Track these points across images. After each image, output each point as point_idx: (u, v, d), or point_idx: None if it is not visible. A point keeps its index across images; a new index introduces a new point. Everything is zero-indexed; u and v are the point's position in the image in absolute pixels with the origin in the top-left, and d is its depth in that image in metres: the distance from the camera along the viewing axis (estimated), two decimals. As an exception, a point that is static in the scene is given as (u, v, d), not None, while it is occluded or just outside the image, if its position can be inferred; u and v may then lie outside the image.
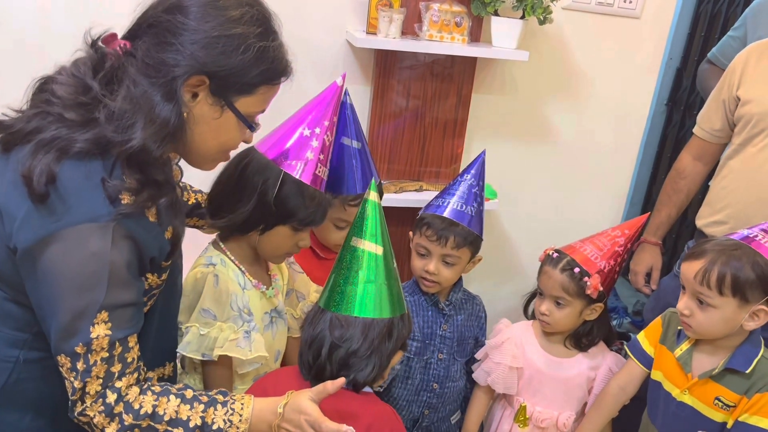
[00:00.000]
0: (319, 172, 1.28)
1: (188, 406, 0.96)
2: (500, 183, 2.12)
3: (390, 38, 1.82)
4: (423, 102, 2.01)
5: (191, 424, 0.95)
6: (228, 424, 0.98)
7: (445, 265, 1.51)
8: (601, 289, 1.46)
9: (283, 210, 1.24)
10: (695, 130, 1.95)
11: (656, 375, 1.46)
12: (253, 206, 1.23)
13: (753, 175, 1.72)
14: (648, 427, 1.50)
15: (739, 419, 1.32)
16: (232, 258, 1.30)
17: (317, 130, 1.27)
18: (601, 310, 1.51)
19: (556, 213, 2.28)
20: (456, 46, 1.87)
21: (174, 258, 1.08)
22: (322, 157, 1.28)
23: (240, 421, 0.99)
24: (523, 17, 1.87)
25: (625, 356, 1.57)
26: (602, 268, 1.45)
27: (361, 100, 2.00)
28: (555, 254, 1.49)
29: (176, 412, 0.95)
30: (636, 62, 2.16)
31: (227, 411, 0.99)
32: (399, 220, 1.97)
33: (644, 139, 2.37)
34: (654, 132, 2.80)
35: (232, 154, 1.14)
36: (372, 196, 1.12)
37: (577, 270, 1.44)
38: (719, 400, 1.33)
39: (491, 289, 2.30)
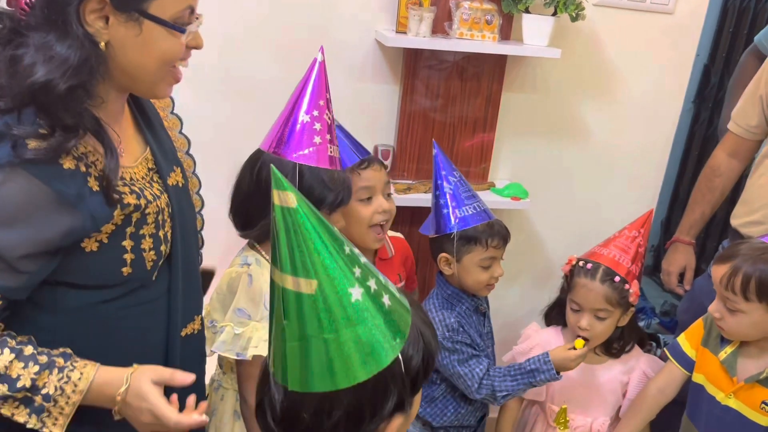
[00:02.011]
0: (331, 152, 1.27)
1: (22, 364, 0.90)
2: (531, 182, 2.10)
3: (420, 37, 1.80)
4: (452, 101, 2.00)
5: (19, 384, 0.89)
6: (59, 392, 0.91)
7: (500, 262, 1.53)
8: (639, 293, 1.43)
9: (310, 200, 1.23)
10: (730, 125, 1.92)
11: (698, 378, 1.43)
12: None
13: (791, 174, 1.69)
14: (690, 430, 1.47)
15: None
16: (268, 258, 1.30)
17: (315, 113, 1.26)
18: (633, 313, 1.49)
19: (587, 213, 2.25)
20: (487, 44, 1.85)
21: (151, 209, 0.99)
22: (329, 137, 1.27)
23: (74, 391, 0.91)
24: (554, 14, 1.85)
25: (662, 358, 1.55)
26: (633, 271, 1.43)
27: (390, 100, 1.99)
28: (588, 264, 1.43)
29: (6, 367, 0.89)
30: (668, 59, 2.13)
31: (62, 378, 0.91)
32: (429, 220, 1.96)
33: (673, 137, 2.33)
34: (681, 130, 2.77)
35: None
36: (285, 199, 0.66)
37: (617, 279, 1.40)
38: (766, 404, 1.30)
39: (522, 290, 2.28)
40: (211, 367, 1.35)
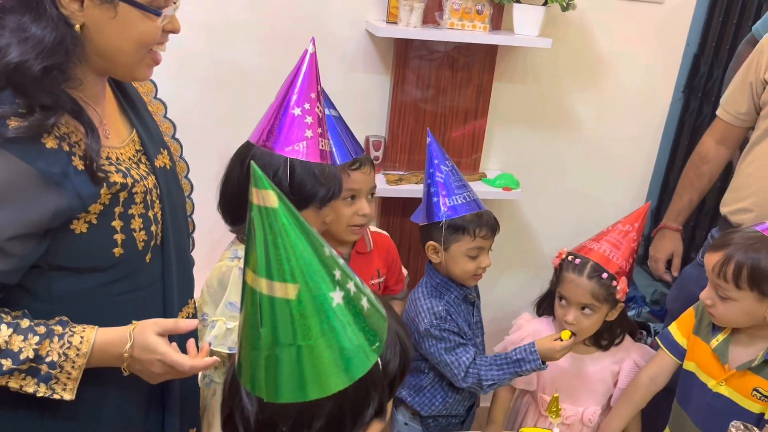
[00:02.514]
0: (323, 146, 1.27)
1: (21, 337, 0.91)
2: (522, 173, 2.11)
3: (411, 27, 1.80)
4: (443, 91, 2.00)
5: (22, 356, 0.90)
6: (63, 357, 0.92)
7: (488, 253, 1.53)
8: (627, 290, 1.43)
9: (302, 195, 1.23)
10: (719, 112, 1.92)
11: (689, 365, 1.44)
12: None
13: (780, 162, 1.70)
14: (681, 417, 1.48)
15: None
16: None
17: (307, 106, 1.25)
18: (622, 308, 1.49)
19: (578, 202, 2.26)
20: (477, 34, 1.85)
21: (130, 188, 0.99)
22: (320, 130, 1.27)
23: (77, 355, 0.93)
24: (545, 4, 1.86)
25: (653, 346, 1.56)
26: (623, 267, 1.42)
27: (380, 91, 1.99)
28: (576, 260, 1.43)
29: (6, 342, 0.89)
30: (658, 49, 2.14)
31: (63, 344, 0.93)
32: (420, 211, 1.96)
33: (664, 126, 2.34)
34: (671, 119, 2.78)
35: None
36: (265, 198, 0.62)
37: (605, 275, 1.40)
38: (758, 391, 1.32)
39: (514, 280, 2.29)
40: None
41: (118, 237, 0.98)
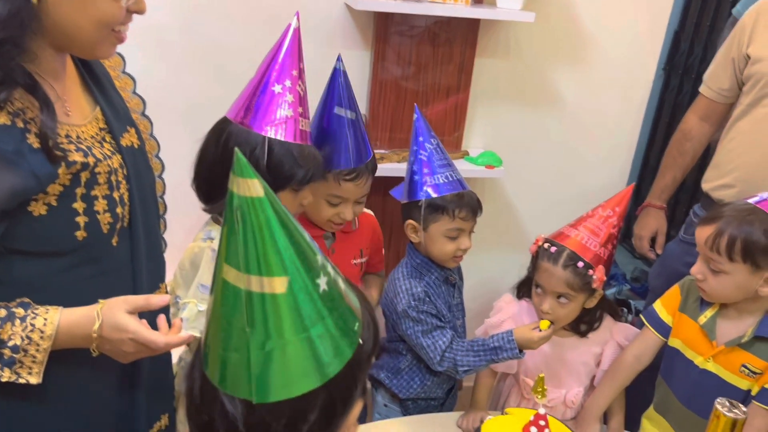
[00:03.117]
0: (302, 126, 1.23)
1: None
2: (505, 150, 2.08)
3: (390, 0, 1.75)
4: (424, 68, 1.96)
5: None
6: (27, 341, 0.89)
7: (470, 235, 1.50)
8: (605, 278, 1.40)
9: (279, 176, 1.20)
10: (702, 89, 1.91)
11: (674, 343, 1.44)
12: None
13: (762, 137, 1.70)
14: (665, 394, 1.48)
15: (767, 386, 1.30)
16: None
17: (288, 83, 1.21)
18: (601, 296, 1.47)
19: (561, 180, 2.25)
20: (459, 7, 1.81)
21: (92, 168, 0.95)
22: (301, 110, 1.23)
23: (42, 338, 0.90)
24: (528, -23, 1.82)
25: (634, 324, 1.55)
26: (601, 255, 1.39)
27: (360, 66, 1.94)
28: (552, 248, 1.39)
29: None
30: (641, 25, 2.12)
31: (26, 327, 0.89)
32: (402, 190, 1.93)
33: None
34: (652, 97, 2.77)
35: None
36: (250, 188, 0.57)
37: (581, 264, 1.36)
38: (746, 367, 1.32)
39: (497, 260, 2.28)
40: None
41: (81, 219, 0.94)
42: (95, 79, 1.03)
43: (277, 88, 1.20)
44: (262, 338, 0.60)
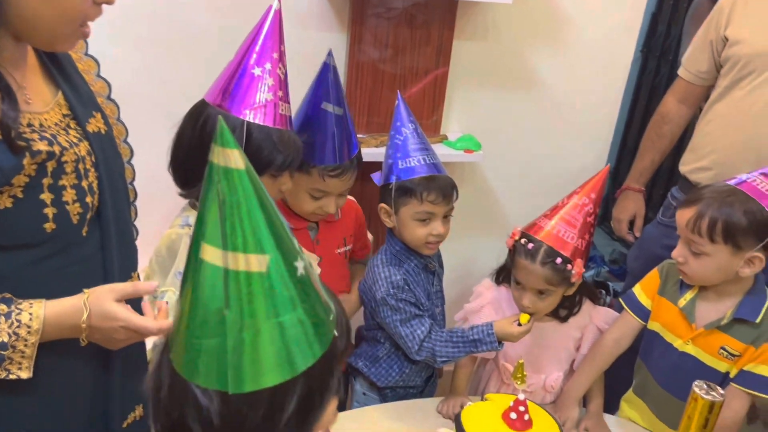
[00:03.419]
0: (282, 111, 1.20)
1: None
2: (484, 134, 2.07)
3: (367, -19, 1.72)
4: (402, 51, 1.92)
5: None
6: (14, 337, 0.87)
7: (445, 220, 1.47)
8: (583, 270, 1.38)
9: (257, 161, 1.17)
10: (680, 71, 1.91)
11: (653, 326, 1.44)
12: None
13: (739, 120, 1.70)
14: (645, 377, 1.49)
15: (745, 368, 1.31)
16: None
17: (268, 66, 1.18)
18: (579, 283, 1.46)
19: (541, 163, 2.24)
20: (436, -11, 1.78)
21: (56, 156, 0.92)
22: (281, 93, 1.20)
23: (29, 333, 0.88)
24: (506, -43, 1.79)
25: (612, 306, 1.56)
26: (579, 246, 1.36)
27: (336, 50, 1.89)
28: (529, 244, 1.36)
29: None
30: (619, 7, 2.10)
31: (12, 323, 0.88)
32: (380, 175, 1.91)
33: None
34: (630, 79, 2.78)
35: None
36: (231, 159, 0.55)
37: (559, 260, 1.33)
38: (724, 349, 1.32)
39: (476, 243, 2.27)
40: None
41: (49, 211, 0.91)
42: (56, 63, 0.99)
43: (257, 71, 1.17)
44: (237, 322, 0.57)
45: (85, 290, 0.93)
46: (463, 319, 1.56)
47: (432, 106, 2.02)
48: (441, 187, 1.43)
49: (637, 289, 1.48)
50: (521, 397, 1.22)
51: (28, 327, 0.88)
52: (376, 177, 1.55)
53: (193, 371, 0.60)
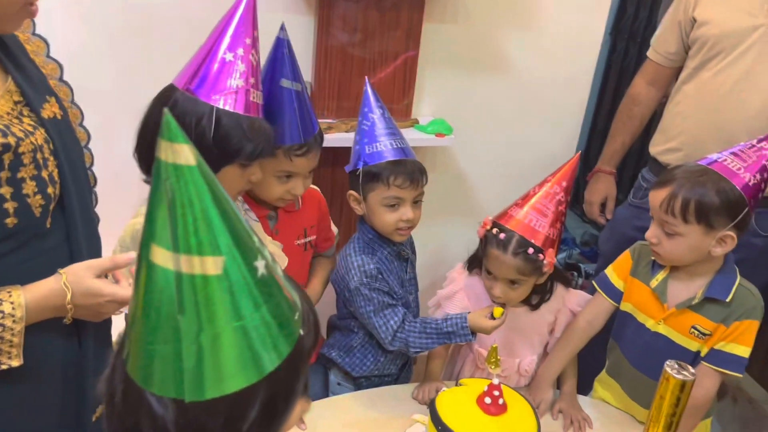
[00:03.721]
0: (254, 98, 1.16)
1: None
2: (455, 118, 2.05)
3: (334, -37, 1.68)
4: (371, 34, 1.89)
5: None
6: (0, 329, 0.88)
7: (416, 205, 1.44)
8: (555, 260, 1.38)
9: (226, 150, 1.13)
10: (649, 53, 1.92)
11: (626, 307, 1.45)
12: None
13: (707, 101, 1.71)
14: (618, 358, 1.50)
15: (715, 347, 1.33)
16: None
17: (240, 51, 1.14)
18: (551, 270, 1.45)
19: (512, 147, 2.24)
20: (405, -30, 1.75)
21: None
22: (253, 80, 1.16)
23: (14, 321, 0.89)
24: (474, -63, 1.77)
25: (584, 287, 1.56)
26: (550, 235, 1.35)
27: (304, 33, 1.86)
28: (501, 234, 1.35)
29: None
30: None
31: None
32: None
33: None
34: (599, 62, 2.78)
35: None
36: (179, 154, 0.51)
37: (531, 250, 1.33)
38: (695, 328, 1.34)
39: (448, 228, 2.26)
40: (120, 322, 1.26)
41: (9, 206, 0.87)
42: (2, 47, 0.94)
43: (229, 56, 1.13)
44: (194, 327, 0.53)
45: (60, 270, 0.92)
46: (437, 305, 1.55)
47: (402, 91, 1.99)
48: (408, 172, 1.40)
49: (610, 271, 1.49)
50: (495, 381, 1.21)
51: (12, 316, 0.88)
52: (349, 167, 1.52)
53: (148, 378, 0.56)
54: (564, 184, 1.36)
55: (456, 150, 2.16)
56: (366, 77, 1.49)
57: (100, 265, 0.94)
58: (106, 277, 0.96)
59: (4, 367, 0.89)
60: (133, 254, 0.96)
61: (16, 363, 0.90)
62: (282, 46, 1.34)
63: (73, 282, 0.91)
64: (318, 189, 1.63)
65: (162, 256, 0.52)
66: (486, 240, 1.39)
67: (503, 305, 1.37)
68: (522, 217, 1.35)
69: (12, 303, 0.88)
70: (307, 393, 0.65)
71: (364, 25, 1.88)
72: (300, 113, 1.36)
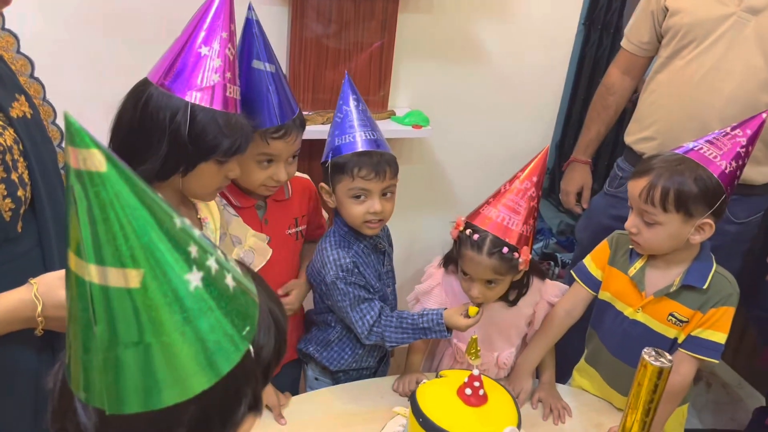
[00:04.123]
0: (230, 93, 1.13)
1: None
2: (432, 109, 2.04)
3: (307, -48, 1.65)
4: (346, 25, 1.87)
5: None
6: None
7: (385, 198, 1.42)
8: (530, 257, 1.37)
9: (202, 146, 1.10)
10: (623, 43, 1.93)
11: (604, 296, 1.46)
12: (167, 149, 1.08)
13: (681, 89, 1.73)
14: (596, 346, 1.51)
15: (692, 334, 1.34)
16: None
17: (216, 46, 1.11)
18: (527, 268, 1.44)
19: (489, 138, 2.23)
20: (379, -40, 1.73)
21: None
22: (229, 75, 1.13)
23: None
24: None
25: (561, 277, 1.57)
26: (524, 233, 1.35)
27: (278, 23, 1.84)
28: (474, 234, 1.33)
29: None
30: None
31: None
32: (328, 153, 1.86)
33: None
34: (573, 52, 2.80)
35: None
36: (88, 160, 0.47)
37: (506, 250, 1.32)
38: (673, 316, 1.35)
39: (426, 220, 2.26)
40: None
41: None
42: None
43: (204, 51, 1.10)
44: (108, 339, 0.51)
45: (31, 280, 0.89)
46: (415, 299, 1.55)
47: (378, 82, 1.98)
48: (374, 163, 1.37)
49: (588, 261, 1.50)
50: (476, 372, 1.21)
51: None
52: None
53: (78, 383, 0.54)
54: (534, 179, 1.36)
55: (433, 141, 2.16)
56: (346, 72, 1.47)
57: None
58: None
59: None
60: None
61: None
62: (251, 27, 1.31)
63: (44, 293, 0.88)
64: (308, 177, 1.61)
65: (77, 265, 0.50)
66: (460, 241, 1.38)
67: (479, 304, 1.37)
68: (494, 216, 1.34)
69: None
70: (258, 410, 0.61)
71: (338, 16, 1.85)
72: (277, 95, 1.33)
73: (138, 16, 1.70)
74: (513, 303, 1.47)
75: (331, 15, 1.85)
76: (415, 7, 1.96)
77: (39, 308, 0.87)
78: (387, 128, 1.96)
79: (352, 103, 1.41)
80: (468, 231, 1.35)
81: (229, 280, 0.56)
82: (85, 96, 1.63)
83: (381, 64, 1.95)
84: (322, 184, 1.44)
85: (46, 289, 0.89)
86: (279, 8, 1.82)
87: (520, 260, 1.33)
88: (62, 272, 0.85)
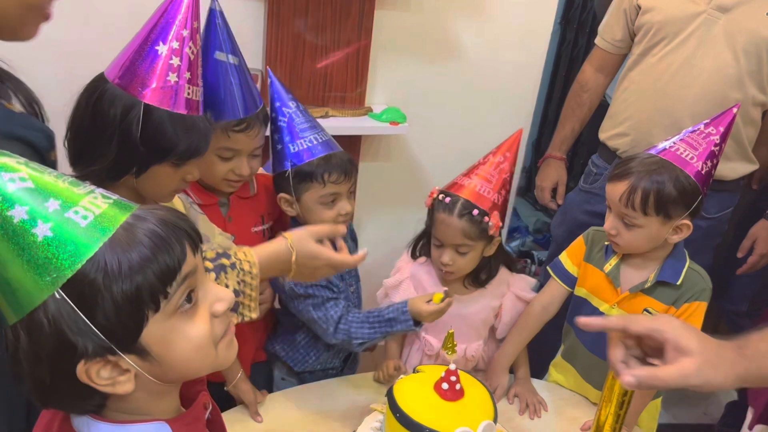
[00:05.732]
0: (189, 94, 1.08)
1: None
2: (408, 105, 2.04)
3: (283, -53, 1.64)
4: (322, 21, 1.86)
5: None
6: (242, 285, 1.01)
7: (350, 196, 1.42)
8: (501, 224, 1.40)
9: (154, 148, 1.06)
10: (597, 40, 1.95)
11: (580, 292, 1.47)
12: (118, 148, 1.04)
13: (653, 86, 1.75)
14: (572, 342, 1.52)
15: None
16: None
17: (175, 44, 1.06)
18: (499, 242, 1.46)
19: (466, 135, 2.24)
20: (355, -44, 1.72)
21: None
22: (189, 75, 1.08)
23: (252, 278, 1.03)
24: (425, -77, 1.75)
25: (537, 274, 1.58)
26: (496, 201, 1.38)
27: (254, 19, 1.82)
28: (446, 198, 1.36)
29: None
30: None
31: (238, 272, 1.01)
32: (305, 150, 1.85)
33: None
34: (549, 51, 2.82)
35: None
36: None
37: (476, 212, 1.34)
38: (648, 311, 1.37)
39: (402, 217, 2.25)
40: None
41: None
42: None
43: (162, 49, 1.05)
44: None
45: (284, 234, 1.06)
46: (384, 294, 1.54)
47: (356, 78, 1.97)
48: (341, 165, 1.37)
49: (564, 257, 1.51)
50: (452, 367, 1.21)
51: (251, 273, 1.01)
52: (268, 167, 1.47)
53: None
54: (508, 154, 1.42)
55: (410, 138, 2.16)
56: (268, 68, 1.45)
57: (318, 231, 1.09)
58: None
59: (246, 319, 1.02)
60: (343, 228, 1.13)
61: (254, 315, 1.03)
62: (215, 18, 1.28)
63: (296, 244, 1.05)
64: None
65: None
66: (433, 208, 1.41)
67: (445, 292, 1.36)
68: (468, 184, 1.40)
69: (249, 262, 1.01)
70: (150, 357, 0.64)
71: (315, 12, 1.85)
72: (240, 88, 1.30)
73: (107, 6, 1.67)
74: (484, 283, 1.48)
75: (308, 10, 1.84)
76: (393, 4, 1.95)
77: (293, 257, 1.04)
78: (364, 125, 1.96)
79: (291, 105, 1.38)
80: (441, 196, 1.40)
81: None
82: (54, 88, 1.60)
83: (358, 61, 1.95)
84: (283, 195, 1.40)
85: (299, 241, 1.05)
86: (255, 3, 1.81)
87: (490, 224, 1.35)
88: (310, 228, 1.11)
